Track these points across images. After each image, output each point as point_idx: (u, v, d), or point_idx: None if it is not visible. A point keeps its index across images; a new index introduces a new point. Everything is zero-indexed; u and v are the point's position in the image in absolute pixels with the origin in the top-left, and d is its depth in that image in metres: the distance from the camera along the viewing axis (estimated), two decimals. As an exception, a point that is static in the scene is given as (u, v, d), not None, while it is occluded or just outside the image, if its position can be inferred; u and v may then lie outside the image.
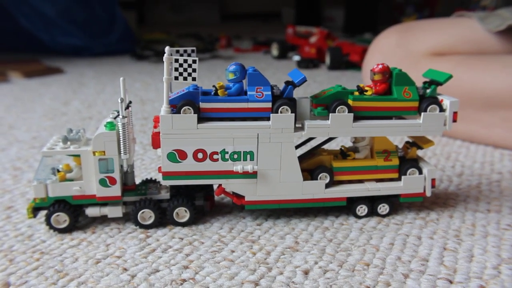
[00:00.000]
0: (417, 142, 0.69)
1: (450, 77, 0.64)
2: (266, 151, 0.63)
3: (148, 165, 0.89)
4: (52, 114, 1.27)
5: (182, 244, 0.61)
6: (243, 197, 0.65)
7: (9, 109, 1.32)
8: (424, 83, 0.68)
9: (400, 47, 1.13)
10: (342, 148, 0.71)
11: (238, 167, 0.62)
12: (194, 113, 0.61)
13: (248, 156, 0.63)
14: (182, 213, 0.65)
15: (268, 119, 0.63)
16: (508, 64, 0.95)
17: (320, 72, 1.89)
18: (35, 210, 0.64)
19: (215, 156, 0.63)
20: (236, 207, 0.71)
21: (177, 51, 0.66)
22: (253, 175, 0.64)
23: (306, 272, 0.54)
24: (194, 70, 0.60)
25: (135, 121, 1.18)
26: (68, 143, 0.62)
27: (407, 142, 0.71)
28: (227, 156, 0.63)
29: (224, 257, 0.58)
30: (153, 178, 0.71)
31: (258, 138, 0.62)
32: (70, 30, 2.25)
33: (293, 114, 0.62)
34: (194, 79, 0.60)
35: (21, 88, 1.61)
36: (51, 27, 2.22)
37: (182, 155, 0.62)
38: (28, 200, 0.73)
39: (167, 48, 0.66)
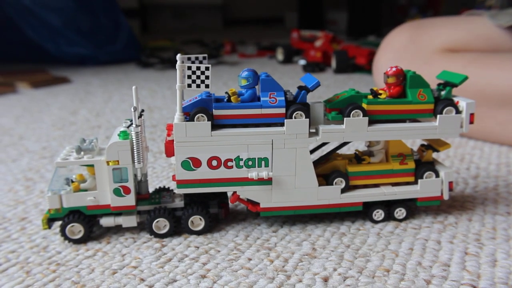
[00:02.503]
0: (433, 145, 0.68)
1: (466, 78, 0.64)
2: (281, 157, 0.62)
3: (160, 173, 0.88)
4: (61, 123, 1.26)
5: (198, 252, 0.60)
6: (258, 204, 0.65)
7: (18, 120, 1.32)
8: (439, 84, 0.67)
9: (412, 44, 1.12)
10: (357, 152, 0.70)
11: (253, 173, 0.62)
12: (207, 120, 0.60)
13: (263, 162, 0.62)
14: (197, 221, 0.64)
15: (281, 124, 0.62)
16: None
17: (326, 76, 1.88)
18: (50, 221, 0.63)
19: (229, 163, 0.62)
20: (251, 214, 0.70)
21: (189, 59, 0.66)
22: (268, 181, 0.63)
23: (325, 280, 0.54)
24: (207, 77, 0.59)
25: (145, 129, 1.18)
26: (82, 153, 0.62)
27: (422, 145, 0.70)
28: (241, 163, 0.62)
29: (242, 266, 0.57)
30: (166, 186, 0.71)
31: (272, 144, 0.62)
32: (76, 39, 2.26)
33: (307, 119, 0.62)
34: (207, 86, 0.60)
35: (29, 99, 1.61)
36: (57, 37, 2.23)
37: (196, 163, 0.62)
38: (41, 211, 0.73)
39: (179, 56, 0.66)
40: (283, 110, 0.62)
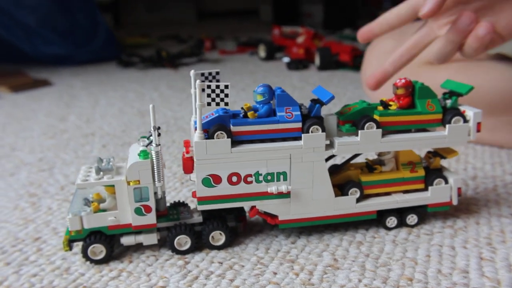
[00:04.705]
0: (440, 152, 0.71)
1: (472, 88, 0.66)
2: (299, 171, 0.64)
3: (166, 184, 0.88)
4: (52, 132, 1.24)
5: (223, 268, 0.61)
6: (276, 216, 0.66)
7: (5, 128, 1.29)
8: (444, 94, 0.69)
9: None
10: (368, 162, 0.72)
11: (272, 188, 0.63)
12: (227, 137, 0.61)
13: (281, 176, 0.64)
14: (217, 236, 0.65)
15: (297, 138, 0.63)
16: (505, 71, 0.98)
17: (310, 73, 1.90)
18: (70, 243, 0.63)
19: (249, 179, 0.63)
20: (266, 225, 0.71)
21: (202, 74, 0.67)
22: (286, 194, 0.64)
23: (352, 291, 0.56)
24: (226, 96, 0.60)
25: (139, 136, 1.17)
26: (101, 173, 0.62)
27: (428, 152, 0.73)
28: (261, 178, 0.63)
29: (269, 280, 0.58)
30: (181, 201, 0.71)
31: (290, 158, 0.63)
32: (52, 38, 2.20)
33: (324, 133, 0.63)
34: (226, 104, 0.60)
35: (11, 104, 1.57)
36: (32, 36, 2.17)
37: (217, 179, 0.62)
38: (54, 229, 0.72)
39: (192, 72, 0.66)
40: (299, 125, 0.63)
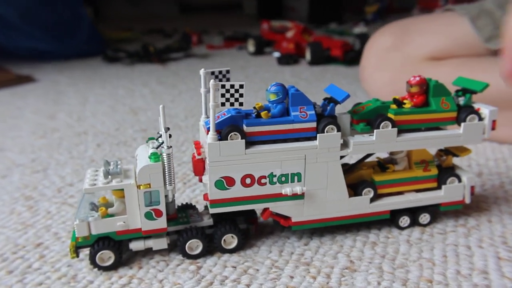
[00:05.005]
0: (453, 151, 0.70)
1: (487, 86, 0.65)
2: (313, 171, 0.62)
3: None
4: (42, 131, 1.20)
5: (238, 273, 0.59)
6: (289, 218, 0.64)
7: (-9, 127, 1.24)
8: (457, 91, 0.69)
9: (396, 52, 1.14)
10: (379, 160, 0.71)
11: (287, 189, 0.61)
12: (241, 138, 0.59)
13: (296, 177, 0.62)
14: (229, 239, 0.63)
15: (310, 138, 0.62)
16: None
17: (302, 68, 1.89)
18: (77, 249, 0.60)
19: (263, 180, 0.61)
20: (277, 226, 0.70)
21: (212, 73, 0.65)
22: (300, 196, 0.63)
23: (373, 295, 0.54)
24: (241, 95, 0.58)
25: (135, 134, 1.14)
26: (109, 177, 0.59)
27: (440, 150, 0.72)
28: (275, 179, 0.61)
29: (286, 285, 0.57)
30: (188, 203, 0.69)
31: (305, 159, 0.61)
32: (33, 33, 2.14)
33: (339, 133, 0.61)
34: (241, 104, 0.58)
35: (-4, 101, 1.52)
36: (12, 30, 2.10)
37: (230, 182, 0.60)
38: (55, 234, 0.69)
39: (202, 71, 0.64)
40: (314, 124, 0.61)
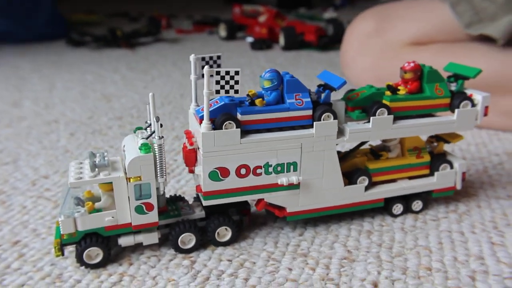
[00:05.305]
0: (445, 137, 0.70)
1: (480, 71, 0.65)
2: (309, 161, 0.60)
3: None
4: (7, 119, 1.13)
5: (234, 267, 0.57)
6: (284, 208, 0.63)
7: (-48, 115, 1.16)
8: (449, 77, 0.68)
9: (378, 37, 1.13)
10: (372, 148, 0.70)
11: (283, 179, 0.59)
12: (236, 127, 0.56)
13: (291, 167, 0.60)
14: (223, 232, 0.61)
15: (305, 127, 0.60)
16: (486, 52, 0.99)
17: (275, 53, 1.86)
18: (62, 247, 0.56)
19: (258, 171, 0.59)
20: (269, 216, 0.68)
21: (203, 59, 0.62)
22: (296, 186, 0.61)
23: (375, 285, 0.53)
24: (236, 82, 0.55)
25: (110, 122, 1.09)
26: (96, 169, 0.55)
27: (430, 137, 0.72)
28: (270, 169, 0.59)
29: (286, 278, 0.55)
30: (177, 194, 0.66)
31: (301, 148, 0.59)
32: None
33: (336, 120, 0.60)
34: (236, 91, 0.55)
35: (-47, 88, 1.42)
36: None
37: (225, 172, 0.58)
38: (34, 231, 0.65)
39: (192, 57, 0.61)
40: (310, 112, 0.59)
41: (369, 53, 1.12)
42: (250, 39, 1.96)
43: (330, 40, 1.87)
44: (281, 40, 1.88)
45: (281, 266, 0.57)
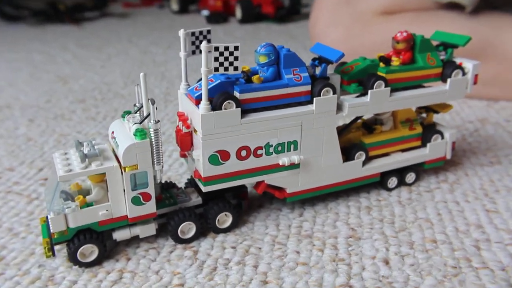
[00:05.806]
0: (434, 107, 0.70)
1: (470, 39, 0.65)
2: (309, 138, 0.58)
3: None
4: (-48, 106, 1.02)
5: (240, 254, 0.55)
6: (284, 189, 0.60)
7: None
8: (438, 46, 0.68)
9: (347, 7, 1.11)
10: (364, 121, 0.68)
11: (284, 159, 0.57)
12: (236, 106, 0.53)
13: (292, 146, 0.58)
14: (223, 218, 0.58)
15: (302, 103, 0.57)
16: (456, 19, 1.00)
17: (233, 26, 1.81)
18: (53, 246, 0.51)
19: (259, 152, 0.56)
20: (265, 197, 0.66)
21: (193, 34, 0.57)
22: (297, 165, 0.59)
23: (386, 262, 0.53)
24: (236, 59, 0.51)
25: (72, 106, 1.01)
26: (87, 160, 0.50)
27: (419, 107, 0.72)
28: (271, 149, 0.57)
29: (296, 261, 0.53)
30: (169, 181, 0.62)
31: (302, 125, 0.57)
32: None
33: (335, 95, 0.58)
34: (236, 68, 0.52)
35: None
36: None
37: (225, 155, 0.54)
38: (10, 230, 0.59)
39: (181, 32, 0.56)
40: (308, 88, 0.57)
41: (340, 24, 1.10)
42: (205, 13, 1.89)
43: (288, 12, 1.83)
44: (238, 13, 1.83)
45: (288, 249, 0.55)
